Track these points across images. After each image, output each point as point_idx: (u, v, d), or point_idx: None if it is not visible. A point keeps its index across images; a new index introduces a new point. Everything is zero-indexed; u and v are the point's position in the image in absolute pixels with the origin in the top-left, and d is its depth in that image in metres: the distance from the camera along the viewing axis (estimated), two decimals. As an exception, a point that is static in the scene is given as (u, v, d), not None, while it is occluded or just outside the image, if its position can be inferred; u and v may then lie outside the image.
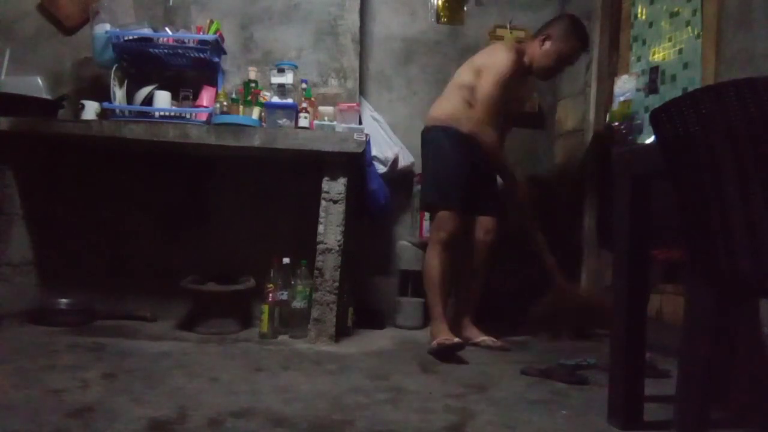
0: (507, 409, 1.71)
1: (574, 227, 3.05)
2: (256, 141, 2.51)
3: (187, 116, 2.60)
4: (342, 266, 2.54)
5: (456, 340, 2.30)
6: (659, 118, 1.35)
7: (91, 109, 2.65)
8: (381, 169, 2.94)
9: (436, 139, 2.55)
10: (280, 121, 2.60)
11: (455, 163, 2.50)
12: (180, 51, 2.70)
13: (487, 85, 2.47)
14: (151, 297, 2.82)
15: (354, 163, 2.62)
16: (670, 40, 2.55)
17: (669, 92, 2.49)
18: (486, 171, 2.61)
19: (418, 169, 3.14)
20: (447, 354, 2.25)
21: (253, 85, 2.70)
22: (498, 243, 2.69)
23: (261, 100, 2.69)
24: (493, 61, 2.51)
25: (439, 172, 2.54)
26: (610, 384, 1.66)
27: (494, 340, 2.55)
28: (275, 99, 2.66)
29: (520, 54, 2.54)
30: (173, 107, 2.66)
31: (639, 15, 2.79)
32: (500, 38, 3.20)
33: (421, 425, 1.54)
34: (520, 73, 2.57)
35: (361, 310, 2.87)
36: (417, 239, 3.05)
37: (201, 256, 2.86)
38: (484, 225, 2.66)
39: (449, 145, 2.51)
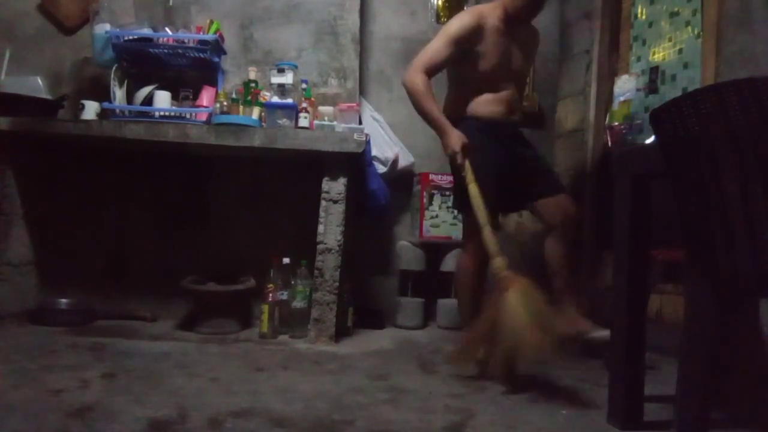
0: (507, 409, 1.71)
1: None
2: (256, 141, 2.51)
3: (187, 116, 2.60)
4: (342, 266, 2.54)
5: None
6: (659, 118, 1.35)
7: (91, 109, 2.65)
8: (381, 169, 2.94)
9: None
10: (280, 121, 2.60)
11: (479, 158, 2.27)
12: (180, 51, 2.70)
13: (434, 38, 2.33)
14: (151, 297, 2.82)
15: (354, 163, 2.62)
16: (670, 40, 2.55)
17: (669, 92, 2.49)
18: (522, 150, 2.41)
19: (418, 169, 3.15)
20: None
21: (253, 85, 2.70)
22: (575, 222, 2.35)
23: (261, 100, 2.69)
24: (446, 25, 2.38)
25: (459, 174, 2.36)
26: (610, 384, 1.66)
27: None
28: (275, 99, 2.65)
29: (482, 13, 2.31)
30: (173, 107, 2.66)
31: (639, 15, 2.79)
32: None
33: (421, 425, 1.54)
34: (498, 29, 2.31)
35: (361, 310, 2.87)
36: (417, 239, 3.05)
37: (201, 256, 2.86)
38: (551, 208, 2.34)
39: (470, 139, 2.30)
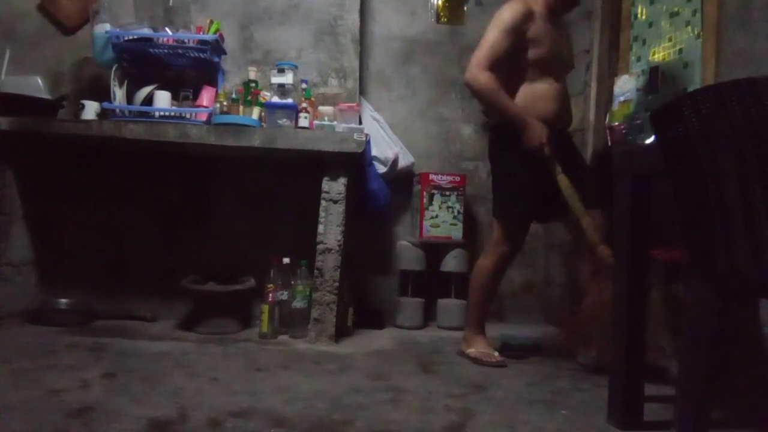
0: (507, 409, 1.71)
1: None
2: (256, 141, 2.51)
3: (187, 116, 2.60)
4: (342, 266, 2.54)
5: (498, 358, 2.27)
6: (659, 118, 1.35)
7: (91, 109, 2.65)
8: (381, 169, 2.94)
9: (495, 139, 2.40)
10: (280, 121, 2.60)
11: (518, 164, 2.26)
12: (180, 51, 2.70)
13: (488, 31, 2.25)
14: (151, 297, 2.82)
15: (354, 163, 2.63)
16: (670, 40, 2.55)
17: (669, 92, 2.49)
18: (569, 157, 2.32)
19: (418, 169, 3.15)
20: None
21: (253, 85, 2.70)
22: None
23: (261, 100, 2.69)
24: (496, 16, 2.30)
25: (499, 178, 2.37)
26: (610, 384, 1.66)
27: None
28: (275, 99, 2.66)
29: (529, 1, 2.28)
30: (173, 107, 2.65)
31: (639, 15, 2.78)
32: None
33: (421, 425, 1.54)
34: (545, 15, 2.28)
35: (361, 310, 2.87)
36: (417, 239, 3.05)
37: (201, 256, 2.86)
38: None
39: (509, 143, 2.29)
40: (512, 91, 2.30)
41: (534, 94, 2.29)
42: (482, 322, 2.40)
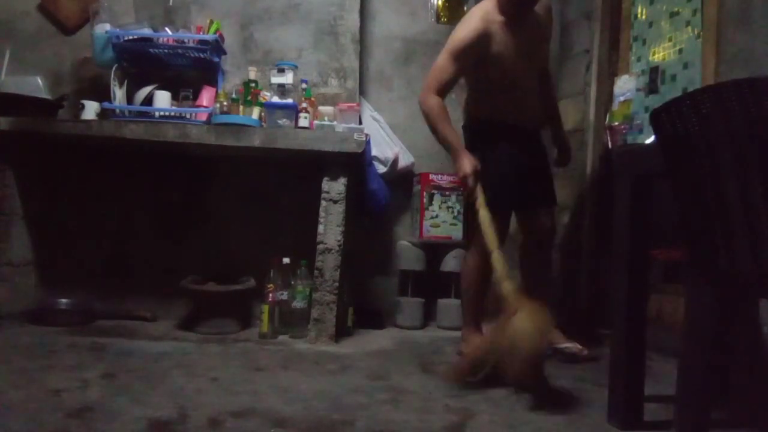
0: (507, 409, 1.71)
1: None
2: (256, 141, 2.51)
3: (187, 116, 2.60)
4: (342, 266, 2.54)
5: None
6: (659, 118, 1.35)
7: (91, 109, 2.65)
8: (381, 169, 2.94)
9: (469, 137, 2.42)
10: (280, 121, 2.60)
11: (495, 160, 2.28)
12: (180, 51, 2.70)
13: (442, 52, 2.26)
14: (151, 297, 2.82)
15: (354, 163, 2.63)
16: (670, 40, 2.55)
17: (669, 92, 2.49)
18: (533, 153, 2.38)
19: (418, 169, 3.15)
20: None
21: (253, 85, 2.70)
22: (551, 240, 2.47)
23: (261, 100, 2.69)
24: (452, 35, 2.29)
25: (481, 174, 2.36)
26: (610, 384, 1.66)
27: (579, 347, 2.25)
28: (275, 99, 2.66)
29: (485, 15, 2.24)
30: (173, 107, 2.66)
31: (639, 15, 2.78)
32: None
33: (421, 425, 1.54)
34: (504, 23, 2.24)
35: (361, 310, 2.87)
36: (417, 239, 3.05)
37: (201, 256, 2.86)
38: (532, 220, 2.42)
39: (484, 141, 2.33)
40: (479, 98, 2.37)
41: (495, 102, 2.32)
42: (478, 321, 2.39)
